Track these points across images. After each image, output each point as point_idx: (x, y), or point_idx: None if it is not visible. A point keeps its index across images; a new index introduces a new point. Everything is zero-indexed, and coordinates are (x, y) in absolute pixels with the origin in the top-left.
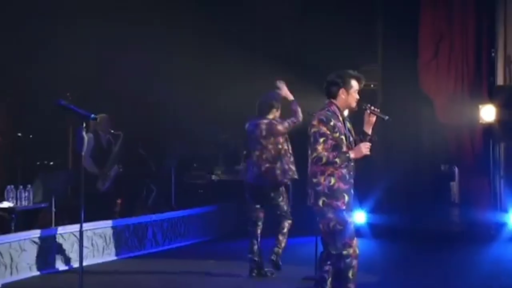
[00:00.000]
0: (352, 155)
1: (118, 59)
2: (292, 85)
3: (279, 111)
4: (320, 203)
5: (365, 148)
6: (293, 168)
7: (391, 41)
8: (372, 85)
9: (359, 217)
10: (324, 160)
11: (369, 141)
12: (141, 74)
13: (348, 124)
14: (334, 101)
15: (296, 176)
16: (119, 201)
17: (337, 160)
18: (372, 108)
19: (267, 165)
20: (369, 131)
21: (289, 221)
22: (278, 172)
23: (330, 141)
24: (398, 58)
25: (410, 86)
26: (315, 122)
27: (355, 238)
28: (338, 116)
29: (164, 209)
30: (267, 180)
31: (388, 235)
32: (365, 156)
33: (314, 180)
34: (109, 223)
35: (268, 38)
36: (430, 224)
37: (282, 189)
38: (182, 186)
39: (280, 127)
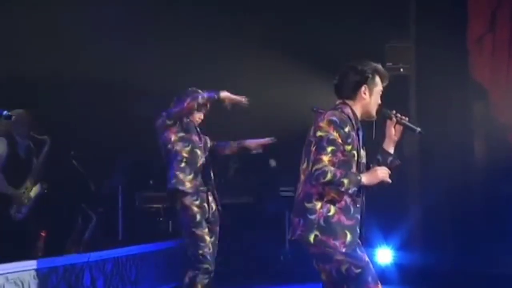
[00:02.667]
0: (364, 179)
1: (44, 34)
2: (299, 74)
3: (194, 113)
4: (311, 238)
5: (381, 172)
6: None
7: (428, 8)
8: (401, 69)
9: (384, 256)
10: (329, 176)
11: (390, 165)
12: (73, 52)
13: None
14: (349, 102)
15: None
16: (43, 233)
17: (344, 180)
18: (399, 116)
19: None
20: (391, 151)
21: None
22: None
23: (339, 154)
24: (438, 32)
25: (455, 70)
26: (323, 124)
27: (379, 283)
28: (353, 123)
29: (107, 245)
30: None
31: (422, 280)
32: (381, 184)
33: (307, 204)
34: (28, 264)
35: (268, 8)
36: (483, 265)
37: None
38: (133, 212)
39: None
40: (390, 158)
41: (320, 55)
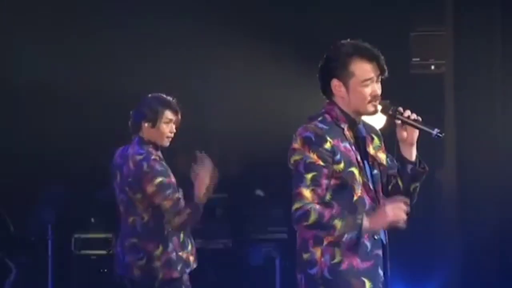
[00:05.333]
0: (366, 222)
1: None
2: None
3: (160, 126)
4: None
5: (392, 210)
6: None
7: None
8: (432, 66)
9: None
10: (312, 218)
11: (414, 173)
12: None
13: (376, 141)
14: (335, 101)
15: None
16: None
17: (335, 223)
18: (407, 114)
19: (134, 240)
20: (412, 156)
21: None
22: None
23: (324, 181)
24: (484, 15)
25: (506, 67)
26: (296, 144)
27: None
28: (343, 129)
29: None
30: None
31: None
32: (394, 227)
33: (305, 255)
34: None
35: None
36: None
37: None
38: (68, 261)
39: (147, 183)
40: (411, 166)
41: (323, 48)
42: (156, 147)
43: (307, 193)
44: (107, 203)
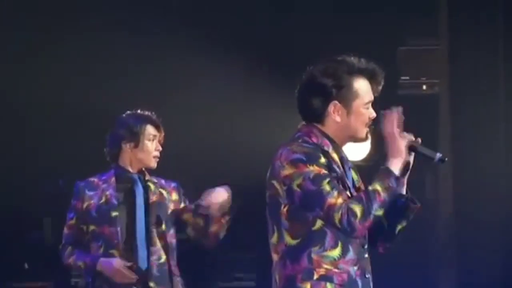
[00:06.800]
0: (391, 165)
1: None
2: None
3: (144, 145)
4: None
5: (397, 139)
6: None
7: None
8: (424, 86)
9: None
10: (358, 210)
11: (406, 208)
12: None
13: (353, 174)
14: (318, 125)
15: None
16: None
17: (377, 188)
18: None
19: None
20: (402, 188)
21: None
22: None
23: (334, 181)
24: (484, 27)
25: (511, 88)
26: (287, 171)
27: None
28: (329, 153)
29: None
30: None
31: None
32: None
33: None
34: None
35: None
36: None
37: None
38: None
39: None
40: (401, 200)
41: (300, 66)
42: (130, 179)
43: (336, 200)
44: (43, 246)
